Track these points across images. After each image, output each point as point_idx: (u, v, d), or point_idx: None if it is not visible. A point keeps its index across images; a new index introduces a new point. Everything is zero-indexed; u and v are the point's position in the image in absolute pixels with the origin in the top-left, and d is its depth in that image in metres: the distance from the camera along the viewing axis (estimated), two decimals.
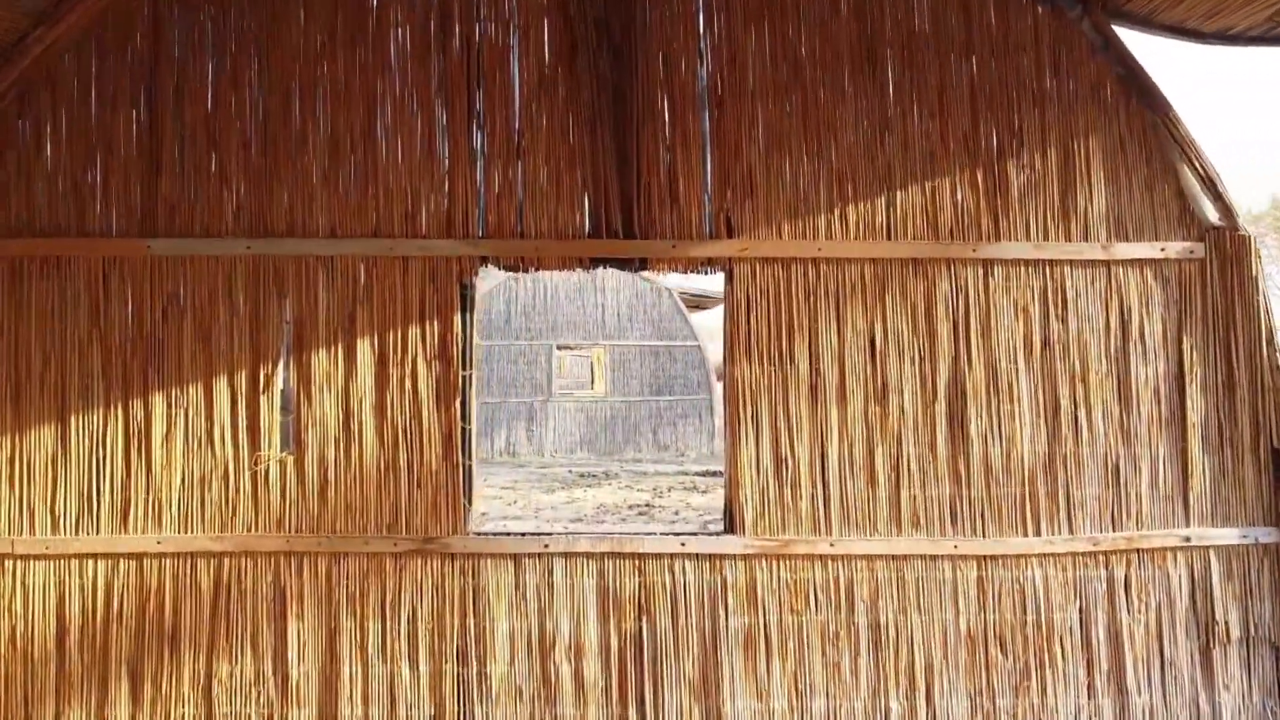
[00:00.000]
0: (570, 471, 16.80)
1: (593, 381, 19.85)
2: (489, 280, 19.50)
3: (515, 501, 13.07)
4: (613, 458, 19.02)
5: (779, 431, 4.65)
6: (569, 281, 19.32)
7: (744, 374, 4.66)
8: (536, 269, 4.71)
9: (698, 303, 21.16)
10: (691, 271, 4.72)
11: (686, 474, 16.41)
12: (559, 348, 19.60)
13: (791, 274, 4.67)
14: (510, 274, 18.56)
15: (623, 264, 4.74)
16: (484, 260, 4.68)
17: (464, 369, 4.66)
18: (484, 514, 11.95)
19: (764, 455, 4.65)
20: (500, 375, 19.27)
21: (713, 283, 21.22)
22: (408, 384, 4.63)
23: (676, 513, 12.08)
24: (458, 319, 4.63)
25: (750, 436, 4.64)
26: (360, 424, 4.61)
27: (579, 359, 19.95)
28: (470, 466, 4.69)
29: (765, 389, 4.65)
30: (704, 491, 14.10)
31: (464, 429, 4.65)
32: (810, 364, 4.66)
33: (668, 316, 19.80)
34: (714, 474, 15.62)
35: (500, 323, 19.30)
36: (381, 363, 4.63)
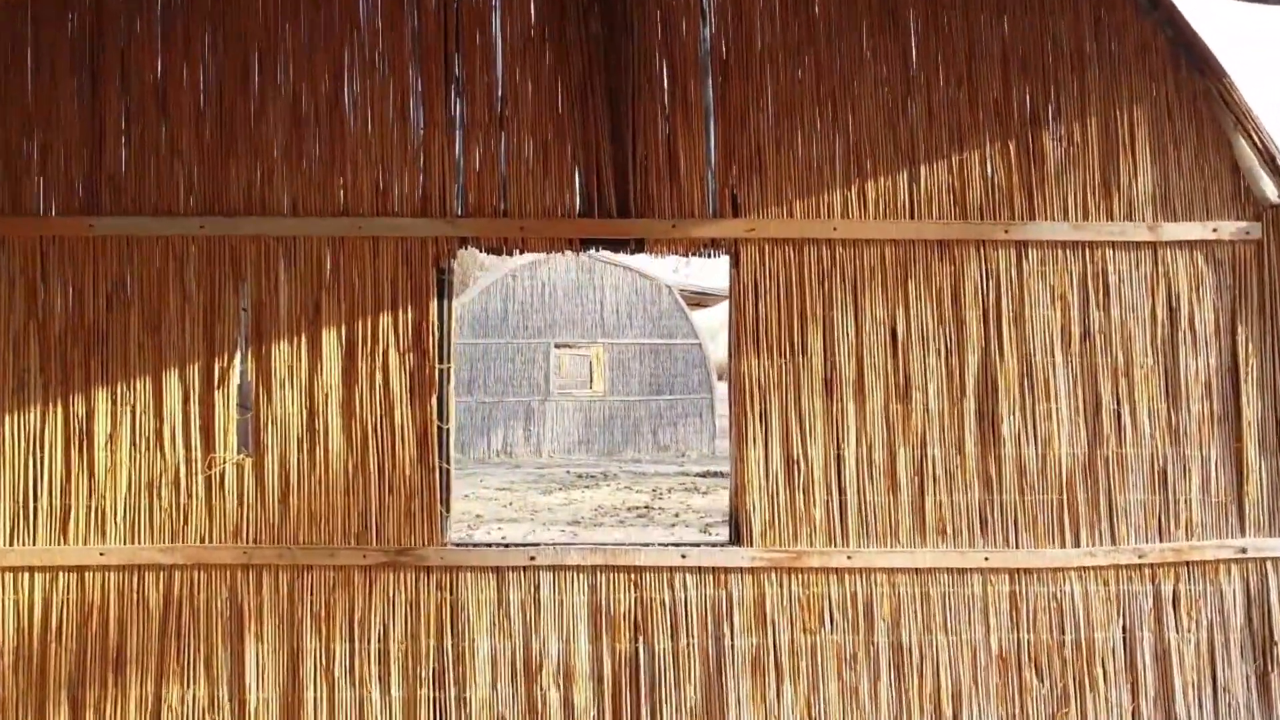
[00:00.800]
0: (568, 472, 16.80)
1: (591, 380, 19.87)
2: (486, 277, 19.34)
3: (511, 503, 13.18)
4: (612, 458, 19.04)
5: (790, 431, 4.36)
6: (567, 278, 19.38)
7: (751, 368, 4.38)
8: (521, 251, 4.46)
9: (699, 300, 21.14)
10: (693, 254, 4.47)
11: (687, 475, 16.43)
12: (557, 346, 19.68)
13: (804, 257, 4.39)
14: (509, 272, 18.79)
15: (617, 245, 4.49)
16: (463, 241, 4.40)
17: (440, 362, 4.37)
18: (479, 516, 11.77)
19: (773, 457, 4.36)
20: (497, 374, 19.36)
21: (714, 279, 21.11)
22: (378, 378, 4.34)
23: (677, 515, 12.09)
24: (434, 306, 4.35)
25: (758, 437, 4.36)
26: (326, 422, 4.33)
27: (578, 358, 19.95)
28: (448, 469, 4.41)
29: (775, 384, 4.37)
30: (705, 493, 14.11)
31: (440, 428, 4.35)
32: (825, 356, 4.38)
33: (668, 314, 19.85)
34: (715, 475, 15.68)
35: (497, 320, 19.36)
36: (349, 355, 4.34)
